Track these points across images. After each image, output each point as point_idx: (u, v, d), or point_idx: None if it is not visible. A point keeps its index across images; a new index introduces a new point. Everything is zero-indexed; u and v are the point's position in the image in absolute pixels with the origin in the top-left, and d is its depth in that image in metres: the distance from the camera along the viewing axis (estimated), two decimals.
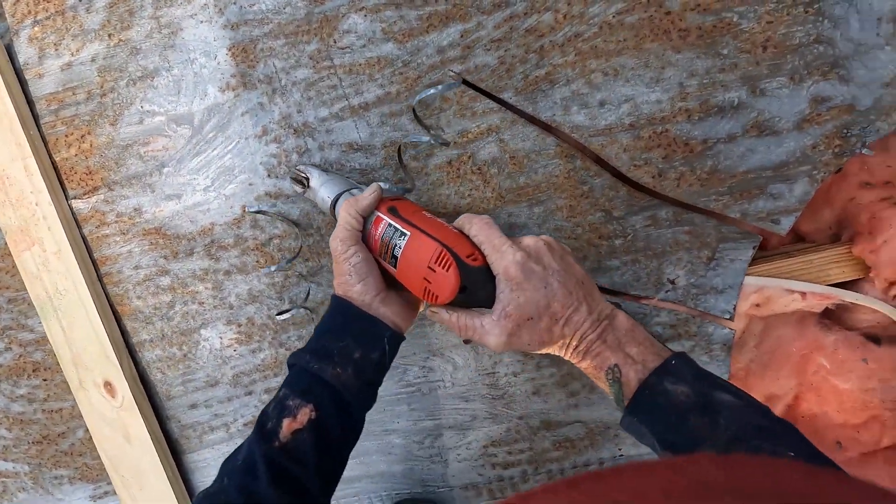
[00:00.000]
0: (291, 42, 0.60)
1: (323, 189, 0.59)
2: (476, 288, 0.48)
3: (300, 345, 0.70)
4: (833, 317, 0.64)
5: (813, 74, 0.54)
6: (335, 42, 0.59)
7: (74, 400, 0.75)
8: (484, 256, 0.49)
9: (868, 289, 0.60)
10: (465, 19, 0.58)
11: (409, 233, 0.50)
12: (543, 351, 0.49)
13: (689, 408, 0.43)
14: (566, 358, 0.50)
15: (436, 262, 0.48)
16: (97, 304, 0.71)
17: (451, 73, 0.59)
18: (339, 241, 0.53)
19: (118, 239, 0.70)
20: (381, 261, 0.54)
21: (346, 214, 0.53)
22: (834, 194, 0.60)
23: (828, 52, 0.53)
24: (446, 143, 0.60)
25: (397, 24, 0.58)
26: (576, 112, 0.58)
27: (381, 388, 0.70)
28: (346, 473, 0.74)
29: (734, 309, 0.61)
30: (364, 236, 0.54)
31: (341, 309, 0.53)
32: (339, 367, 0.51)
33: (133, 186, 0.68)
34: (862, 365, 0.62)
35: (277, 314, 0.67)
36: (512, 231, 0.63)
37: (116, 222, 0.70)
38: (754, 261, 0.62)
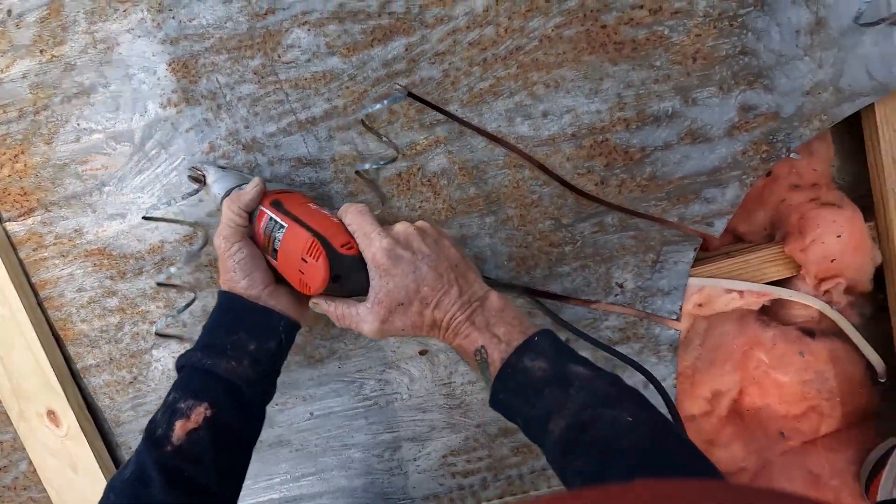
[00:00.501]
0: (234, 57, 0.59)
1: (216, 185, 0.58)
2: (349, 277, 0.48)
3: None
4: (771, 313, 0.67)
5: (740, 84, 0.56)
6: (279, 57, 0.59)
7: (16, 431, 0.72)
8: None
9: (801, 285, 0.62)
10: (408, 33, 0.58)
11: (286, 225, 0.51)
12: (421, 335, 0.50)
13: (545, 382, 0.44)
14: (442, 341, 0.50)
15: (307, 253, 0.48)
16: (37, 330, 0.67)
17: (398, 87, 0.59)
18: (223, 239, 0.52)
19: (58, 262, 0.67)
20: (266, 255, 0.54)
21: (229, 210, 0.53)
22: (766, 197, 0.63)
23: (752, 62, 0.56)
24: (395, 158, 0.60)
25: (341, 39, 0.58)
26: (520, 123, 0.59)
27: (338, 403, 0.70)
28: (306, 490, 0.73)
29: (680, 309, 0.63)
30: (251, 231, 0.54)
31: (230, 304, 0.52)
32: (234, 361, 0.50)
33: (72, 207, 0.65)
34: (799, 358, 0.65)
35: (156, 333, 0.66)
36: (464, 241, 0.63)
37: (56, 244, 0.67)
38: (697, 262, 0.64)
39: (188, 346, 0.68)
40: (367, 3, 0.57)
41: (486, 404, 0.67)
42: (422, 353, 0.66)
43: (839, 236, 0.59)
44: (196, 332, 0.67)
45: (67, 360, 0.71)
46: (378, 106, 0.56)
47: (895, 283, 0.60)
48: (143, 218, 0.63)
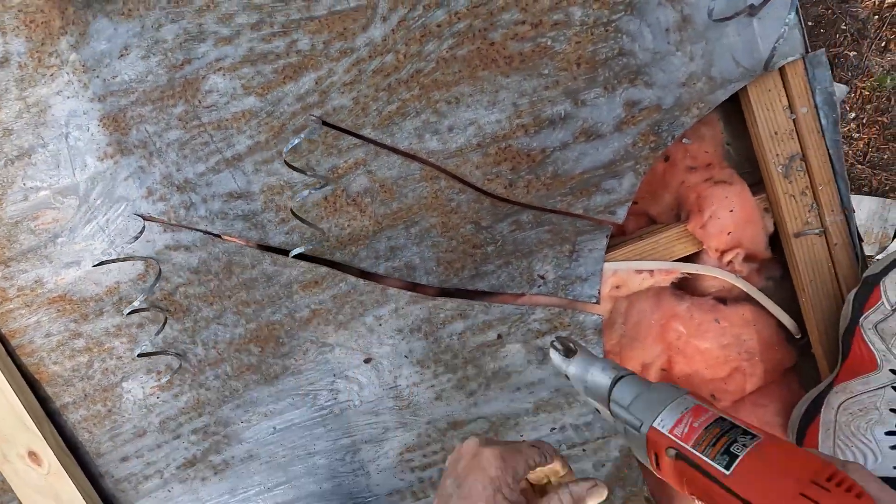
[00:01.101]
0: (159, 107, 0.63)
1: (594, 369, 0.48)
2: None
3: (218, 384, 0.73)
4: (687, 287, 0.72)
5: (622, 83, 0.61)
6: (200, 102, 0.63)
7: (2, 474, 0.76)
8: None
9: (706, 259, 0.67)
10: (316, 68, 0.62)
11: (760, 435, 0.38)
12: None
13: None
14: None
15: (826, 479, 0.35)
16: (8, 377, 0.71)
17: (312, 118, 0.63)
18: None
19: (24, 311, 0.72)
20: (688, 456, 0.39)
21: (501, 471, 0.42)
22: (668, 180, 0.68)
23: (631, 62, 0.60)
24: (326, 184, 0.64)
25: (255, 79, 0.63)
26: (429, 139, 0.63)
27: (297, 415, 0.74)
28: (281, 499, 0.77)
29: (598, 293, 0.67)
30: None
31: None
32: None
33: (30, 260, 0.70)
34: (715, 325, 0.69)
35: (138, 355, 0.69)
36: (393, 253, 0.67)
37: (19, 296, 0.71)
38: (613, 247, 0.68)
39: (170, 366, 0.73)
40: (274, 45, 0.62)
41: (433, 402, 0.71)
42: (366, 360, 0.70)
43: (732, 211, 0.63)
44: (176, 349, 0.71)
45: (46, 400, 0.75)
46: (296, 141, 0.60)
47: (790, 246, 0.65)
48: (94, 266, 0.67)
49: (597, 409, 0.49)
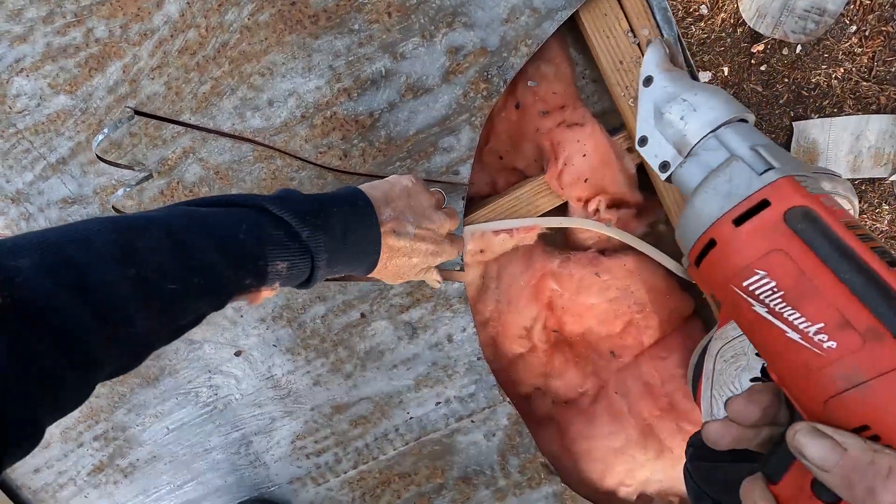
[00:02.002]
0: None
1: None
2: None
3: (106, 390, 0.72)
4: (568, 243, 0.66)
5: (440, 28, 0.54)
6: (11, 108, 0.59)
7: None
8: None
9: (573, 210, 0.61)
10: (120, 55, 0.58)
11: None
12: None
13: None
14: None
15: None
16: None
17: (128, 109, 0.59)
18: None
19: None
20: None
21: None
22: (524, 128, 0.61)
23: (445, 3, 0.53)
24: (149, 176, 0.60)
25: (60, 76, 0.58)
26: (251, 116, 0.59)
27: (185, 414, 0.72)
28: (192, 496, 0.76)
29: (462, 260, 0.62)
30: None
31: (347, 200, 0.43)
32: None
33: None
34: (598, 279, 0.64)
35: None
36: None
37: None
38: (479, 207, 0.63)
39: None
40: (72, 37, 0.57)
41: (313, 387, 0.69)
42: (237, 353, 0.68)
43: (585, 155, 0.57)
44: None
45: None
46: (102, 135, 0.56)
47: (658, 184, 0.58)
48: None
49: (642, 140, 0.43)
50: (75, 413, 0.73)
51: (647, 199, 0.62)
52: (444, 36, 0.54)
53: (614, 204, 0.60)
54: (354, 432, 0.70)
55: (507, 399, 0.65)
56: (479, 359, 0.65)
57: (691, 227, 0.33)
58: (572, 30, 0.58)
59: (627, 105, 0.56)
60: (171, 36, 0.57)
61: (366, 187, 0.47)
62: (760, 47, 1.55)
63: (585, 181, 0.58)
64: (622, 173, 0.58)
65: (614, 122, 0.63)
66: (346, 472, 0.72)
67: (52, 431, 0.75)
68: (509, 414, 0.66)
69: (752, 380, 0.51)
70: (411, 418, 0.69)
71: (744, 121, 0.39)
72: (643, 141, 0.44)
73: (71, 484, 0.78)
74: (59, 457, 0.76)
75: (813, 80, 1.65)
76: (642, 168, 0.60)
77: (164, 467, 0.75)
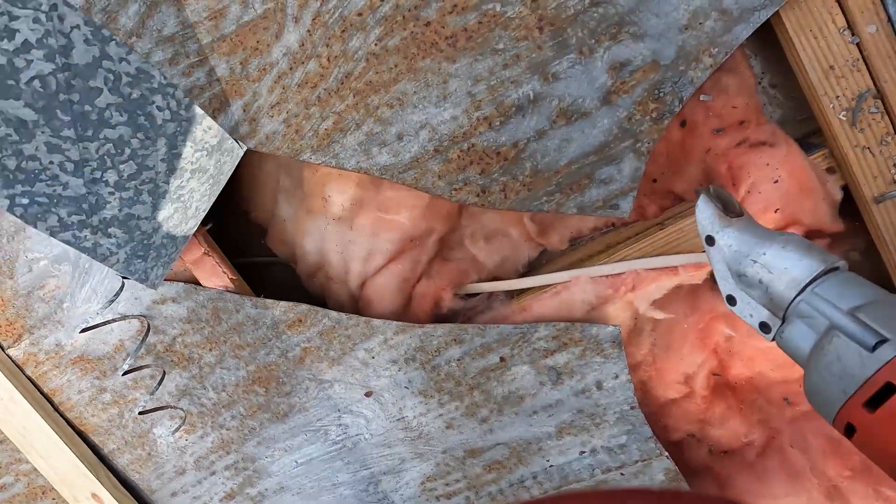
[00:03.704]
0: None
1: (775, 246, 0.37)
2: None
3: (236, 424, 0.71)
4: None
5: (602, 41, 0.45)
6: None
7: None
8: None
9: None
10: (241, 93, 0.53)
11: None
12: None
13: None
14: None
15: None
16: (58, 432, 0.75)
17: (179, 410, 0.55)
18: None
19: (55, 372, 0.73)
20: None
21: None
22: (690, 148, 0.51)
23: (609, 11, 0.44)
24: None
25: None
26: (377, 153, 0.53)
27: (314, 450, 0.70)
28: None
29: None
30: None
31: None
32: None
33: (47, 326, 0.70)
34: None
35: (139, 413, 0.68)
36: None
37: (48, 359, 0.73)
38: (629, 239, 0.54)
39: (178, 419, 0.72)
40: (195, 78, 0.53)
41: (445, 430, 0.64)
42: (367, 394, 0.64)
43: (777, 181, 0.46)
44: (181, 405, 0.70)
45: (95, 447, 0.79)
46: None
47: (870, 214, 0.47)
48: (80, 332, 0.66)
49: (730, 299, 0.40)
50: (206, 444, 0.74)
51: (846, 227, 0.50)
52: (606, 51, 0.45)
53: (808, 235, 0.49)
54: (488, 477, 0.65)
55: (666, 454, 0.57)
56: (632, 408, 0.57)
57: (820, 402, 0.31)
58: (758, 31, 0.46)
59: (836, 118, 0.44)
60: (291, 69, 0.51)
61: None
62: None
63: (776, 211, 0.47)
64: (826, 201, 0.47)
65: (795, 133, 0.51)
66: None
67: (187, 460, 0.76)
68: (667, 469, 0.58)
69: None
70: (551, 466, 0.62)
71: (834, 268, 0.34)
72: (731, 300, 0.39)
73: None
74: (193, 483, 0.77)
75: None
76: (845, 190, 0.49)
77: (291, 498, 0.74)
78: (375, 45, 0.49)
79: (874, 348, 0.29)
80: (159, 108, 0.51)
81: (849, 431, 0.30)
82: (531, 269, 0.63)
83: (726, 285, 0.39)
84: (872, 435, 0.29)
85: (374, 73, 0.50)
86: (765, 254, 0.35)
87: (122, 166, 0.50)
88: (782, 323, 0.35)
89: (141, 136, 0.50)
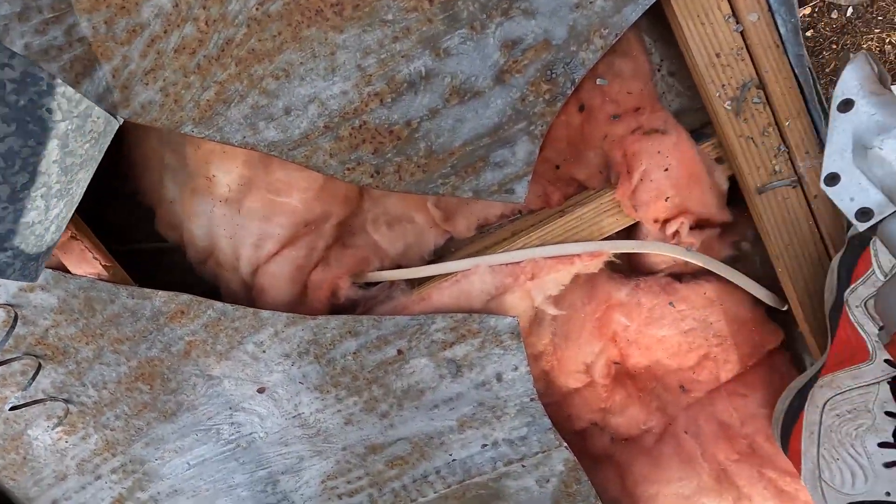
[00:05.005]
0: None
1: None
2: None
3: (121, 424, 0.65)
4: (633, 265, 0.56)
5: (493, 16, 0.43)
6: None
7: None
8: None
9: (646, 232, 0.50)
10: (108, 56, 0.47)
11: None
12: None
13: None
14: None
15: None
16: None
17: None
18: None
19: None
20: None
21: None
22: (589, 134, 0.50)
23: None
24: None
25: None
26: (264, 127, 0.48)
27: (206, 450, 0.64)
28: None
29: None
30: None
31: None
32: None
33: None
34: (671, 309, 0.53)
35: (10, 408, 0.61)
36: None
37: None
38: (528, 228, 0.53)
39: (55, 417, 0.65)
40: (52, 36, 0.47)
41: (344, 427, 0.60)
42: (260, 390, 0.59)
43: (667, 169, 0.46)
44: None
45: None
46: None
47: (755, 205, 0.47)
48: None
49: (831, 178, 0.36)
50: (89, 446, 0.67)
51: (734, 216, 0.51)
52: (498, 27, 0.43)
53: (698, 225, 0.49)
54: (390, 473, 0.62)
55: (565, 444, 0.56)
56: (532, 400, 0.56)
57: None
58: (647, 14, 0.46)
59: (722, 108, 0.44)
60: (165, 32, 0.46)
61: None
62: (807, 10, 1.37)
63: (666, 199, 0.47)
64: (713, 191, 0.46)
65: (692, 124, 0.51)
66: None
67: (68, 464, 0.68)
68: (566, 459, 0.57)
69: (880, 444, 0.41)
70: (454, 460, 0.60)
71: None
72: (833, 178, 0.36)
73: None
74: (76, 488, 0.70)
75: (864, 46, 1.47)
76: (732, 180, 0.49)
77: (186, 501, 0.69)
78: (256, 9, 0.44)
79: None
80: (49, 111, 0.45)
81: None
82: (438, 257, 0.61)
83: (836, 160, 0.35)
84: None
85: (257, 41, 0.45)
86: None
87: (13, 178, 0.44)
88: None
89: (32, 142, 0.45)
